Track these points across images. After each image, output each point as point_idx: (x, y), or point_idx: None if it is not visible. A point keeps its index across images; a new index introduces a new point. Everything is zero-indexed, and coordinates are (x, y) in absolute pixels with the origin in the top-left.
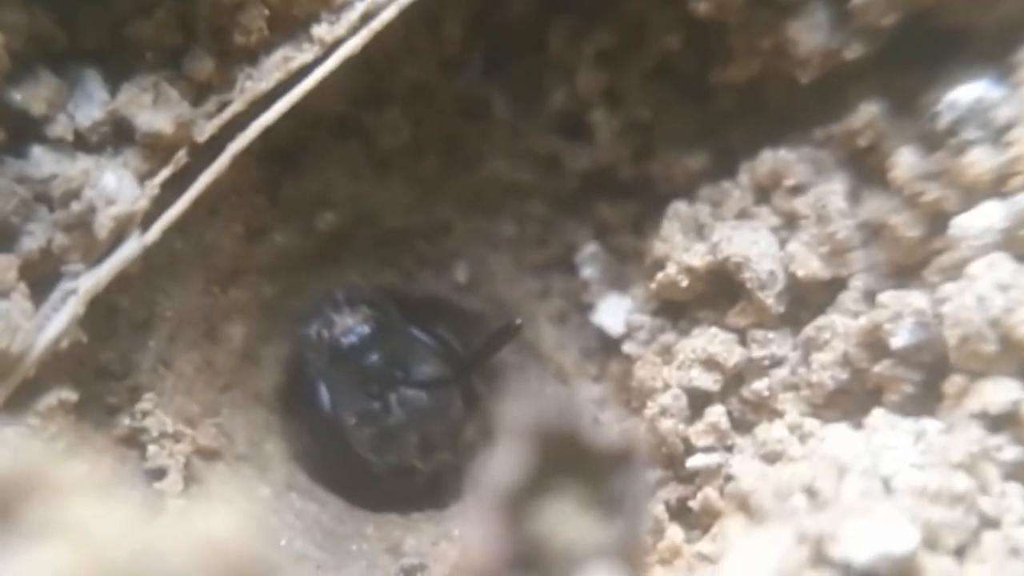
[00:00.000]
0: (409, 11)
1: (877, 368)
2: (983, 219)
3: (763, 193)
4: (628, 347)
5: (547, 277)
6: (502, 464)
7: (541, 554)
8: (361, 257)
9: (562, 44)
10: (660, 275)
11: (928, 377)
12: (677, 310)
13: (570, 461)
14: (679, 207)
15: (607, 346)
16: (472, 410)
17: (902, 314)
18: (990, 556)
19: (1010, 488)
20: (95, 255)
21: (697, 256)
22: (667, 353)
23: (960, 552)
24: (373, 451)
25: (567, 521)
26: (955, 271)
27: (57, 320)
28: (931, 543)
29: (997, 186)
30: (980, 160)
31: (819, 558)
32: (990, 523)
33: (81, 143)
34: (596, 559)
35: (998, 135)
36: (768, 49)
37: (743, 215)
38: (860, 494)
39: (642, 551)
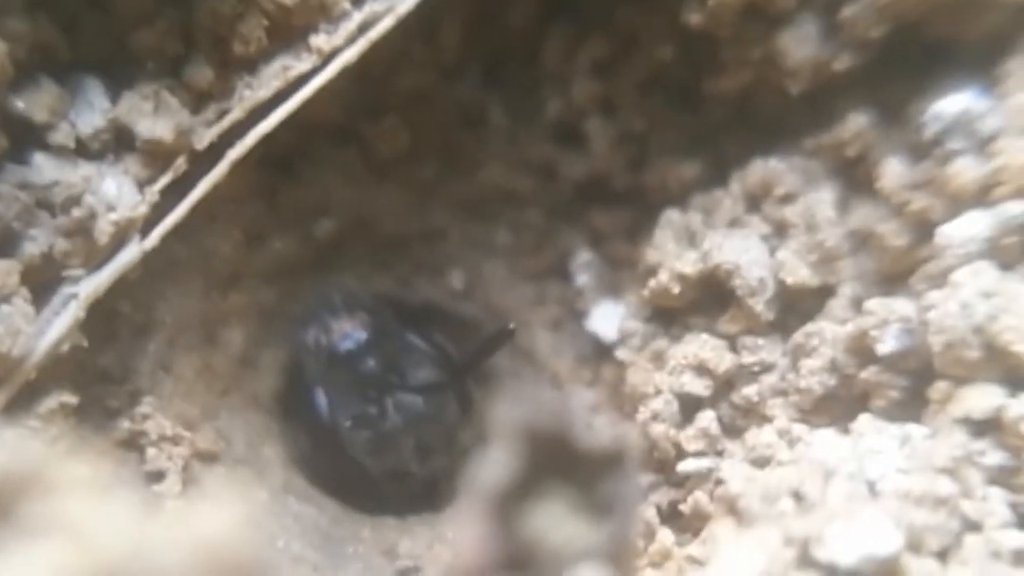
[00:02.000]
0: (407, 20)
1: (864, 374)
2: (968, 228)
3: (754, 202)
4: (621, 353)
5: (542, 284)
6: (494, 466)
7: (532, 555)
8: (358, 263)
9: (558, 54)
10: (652, 282)
11: (914, 383)
12: (669, 317)
13: (561, 464)
14: (672, 215)
15: (601, 352)
16: (467, 414)
17: (888, 321)
18: (972, 559)
19: (992, 492)
20: (96, 260)
21: (689, 263)
22: (659, 359)
23: (943, 555)
24: (370, 455)
25: (558, 523)
26: (940, 279)
27: (58, 324)
28: (915, 546)
29: (981, 196)
30: (965, 170)
31: (805, 560)
32: (972, 526)
33: (82, 150)
34: (586, 561)
35: (983, 145)
36: (759, 60)
37: (734, 223)
38: (846, 497)
39: (631, 553)
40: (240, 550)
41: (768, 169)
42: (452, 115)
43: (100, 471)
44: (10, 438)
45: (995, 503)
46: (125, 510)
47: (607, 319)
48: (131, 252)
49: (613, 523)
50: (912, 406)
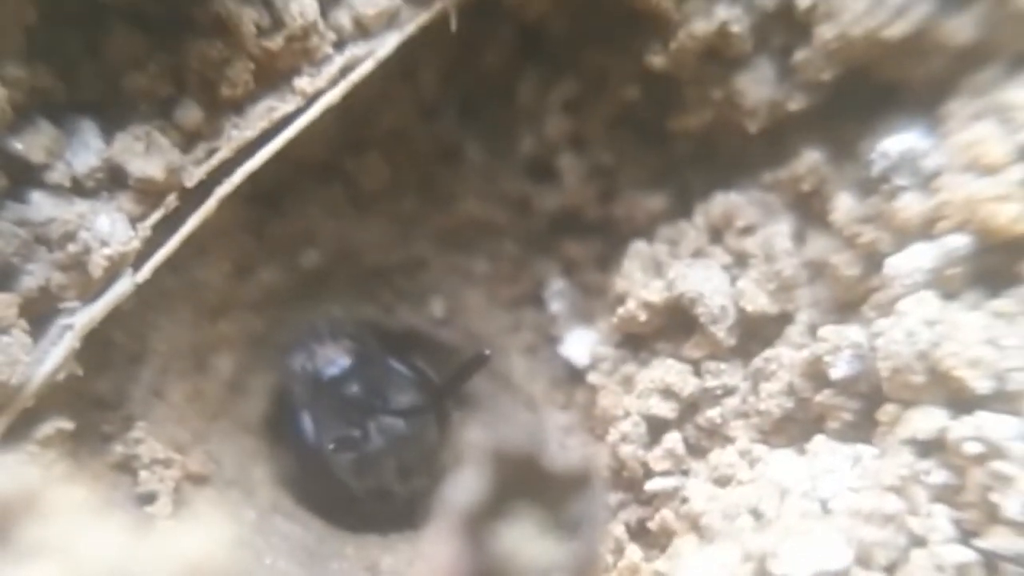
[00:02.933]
0: (387, 62)
1: (819, 397)
2: (913, 260)
3: (716, 233)
4: (593, 377)
5: (518, 311)
6: (466, 488)
7: (502, 573)
8: (343, 292)
9: (531, 94)
10: (621, 310)
11: (865, 406)
12: (637, 342)
13: (531, 484)
14: (639, 246)
15: (573, 376)
16: (447, 436)
17: (840, 347)
18: (918, 572)
19: (936, 509)
20: (90, 293)
21: (655, 292)
22: (628, 383)
23: (890, 569)
24: (353, 475)
25: (527, 542)
26: (889, 307)
27: (54, 354)
28: (864, 560)
29: (926, 229)
30: (910, 205)
31: (762, 575)
32: (918, 542)
33: (78, 188)
34: None
35: (926, 182)
36: (719, 100)
37: (698, 254)
38: (800, 515)
39: (598, 571)
40: (223, 568)
41: (729, 202)
42: (431, 151)
43: (92, 494)
44: (7, 462)
45: (939, 519)
46: (115, 532)
47: (579, 345)
48: (124, 285)
49: (580, 542)
50: (863, 427)
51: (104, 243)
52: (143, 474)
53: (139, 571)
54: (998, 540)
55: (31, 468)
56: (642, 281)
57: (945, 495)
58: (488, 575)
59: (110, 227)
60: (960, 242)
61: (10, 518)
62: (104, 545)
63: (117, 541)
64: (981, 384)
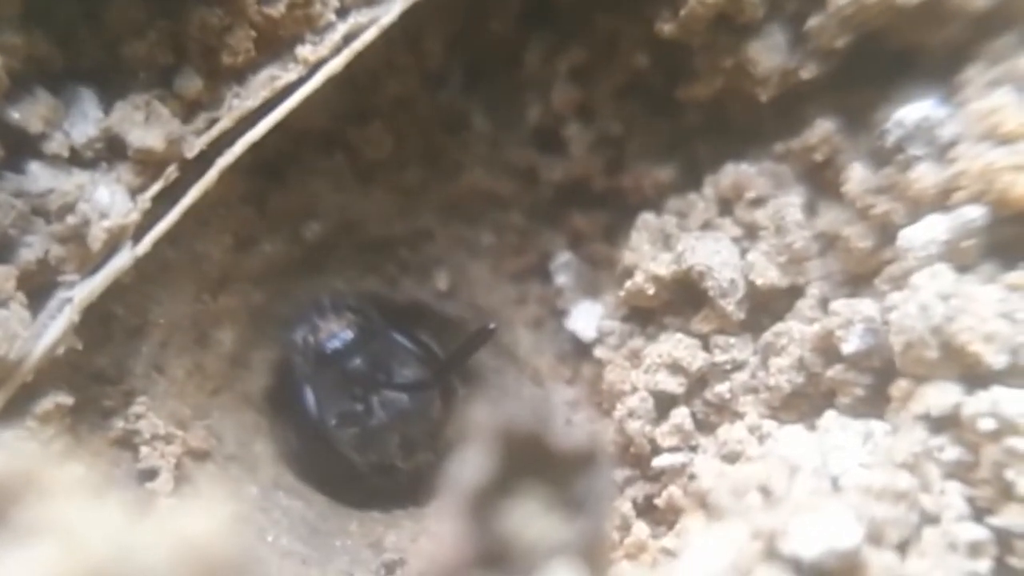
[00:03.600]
0: (391, 29)
1: (830, 372)
2: (927, 231)
3: (726, 205)
4: (599, 351)
5: (524, 284)
6: (470, 465)
7: (507, 552)
8: (346, 264)
9: (538, 61)
10: (628, 283)
11: (877, 381)
12: (645, 316)
13: (536, 462)
14: (647, 218)
15: (580, 350)
16: (452, 411)
17: (852, 321)
18: (930, 550)
19: (949, 486)
20: (89, 266)
21: (663, 265)
22: (635, 357)
23: (902, 547)
24: (356, 450)
25: (532, 520)
26: (902, 280)
27: (53, 328)
28: (875, 538)
29: (941, 200)
30: (925, 175)
31: (771, 553)
32: (931, 519)
33: (76, 159)
34: (559, 557)
35: (942, 152)
36: (730, 68)
37: (707, 226)
38: (810, 492)
39: (604, 549)
40: (227, 550)
41: (739, 173)
42: (435, 120)
43: (95, 470)
44: (7, 439)
45: (952, 497)
46: (114, 511)
47: (586, 318)
48: (123, 258)
49: (586, 519)
50: (875, 403)
51: (103, 215)
52: (144, 450)
53: (139, 551)
54: (1012, 518)
55: (30, 447)
56: (650, 254)
57: (959, 472)
58: (493, 554)
59: (109, 199)
60: (976, 213)
61: (9, 498)
62: (103, 525)
63: (116, 521)
64: (996, 359)
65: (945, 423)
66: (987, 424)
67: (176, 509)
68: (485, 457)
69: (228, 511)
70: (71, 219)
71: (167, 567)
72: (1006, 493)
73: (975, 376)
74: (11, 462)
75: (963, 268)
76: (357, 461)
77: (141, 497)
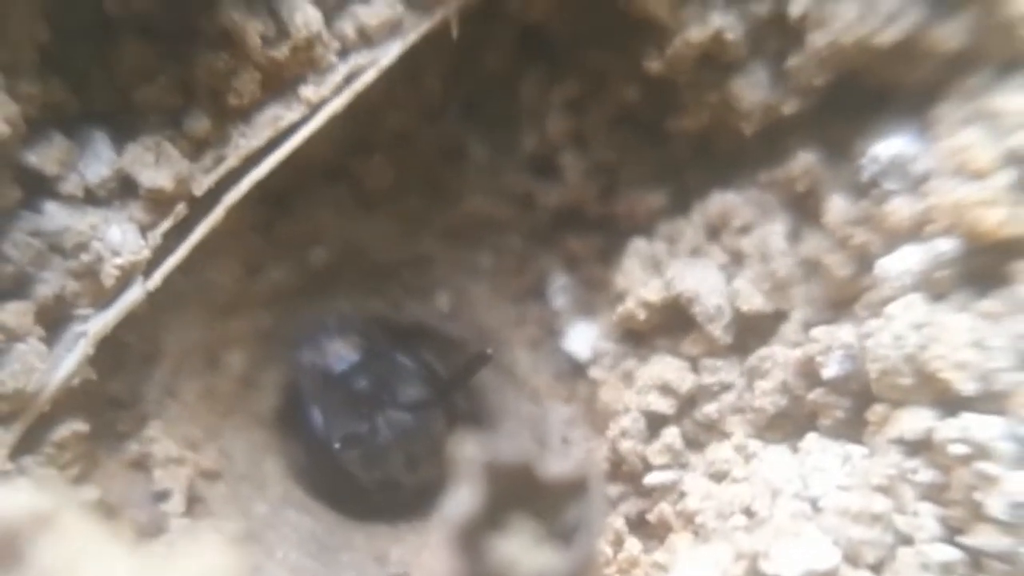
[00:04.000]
0: (391, 67)
1: (811, 395)
2: (903, 262)
3: (714, 232)
4: (594, 372)
5: (522, 305)
6: (460, 501)
7: None
8: (351, 288)
9: (533, 93)
10: (621, 308)
11: (856, 404)
12: (637, 339)
13: (525, 494)
14: (639, 244)
15: (576, 370)
16: (454, 427)
17: (832, 347)
18: (904, 570)
19: (923, 507)
20: (103, 300)
21: (653, 291)
22: (628, 378)
23: (877, 568)
24: (362, 468)
25: (523, 552)
26: (879, 308)
27: (69, 360)
28: (852, 559)
29: (915, 232)
30: (899, 208)
31: (754, 575)
32: (905, 540)
33: (90, 198)
34: None
35: (915, 186)
36: (715, 103)
37: (696, 252)
38: (791, 515)
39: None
40: None
41: (726, 202)
42: (435, 151)
43: (111, 492)
44: (27, 471)
45: (925, 518)
46: (121, 553)
47: (581, 339)
48: (136, 292)
49: (576, 549)
50: (855, 425)
51: (116, 253)
52: (157, 472)
53: None
54: (983, 538)
55: (48, 487)
56: (641, 279)
57: (931, 494)
58: None
59: (121, 237)
60: (948, 245)
61: (27, 538)
62: (109, 568)
63: (122, 564)
64: (967, 386)
65: (919, 447)
66: (958, 449)
67: (183, 554)
68: (474, 492)
69: (234, 558)
70: (85, 256)
71: None
72: (976, 514)
73: (947, 402)
74: (26, 505)
75: (937, 297)
76: (363, 478)
77: (155, 517)
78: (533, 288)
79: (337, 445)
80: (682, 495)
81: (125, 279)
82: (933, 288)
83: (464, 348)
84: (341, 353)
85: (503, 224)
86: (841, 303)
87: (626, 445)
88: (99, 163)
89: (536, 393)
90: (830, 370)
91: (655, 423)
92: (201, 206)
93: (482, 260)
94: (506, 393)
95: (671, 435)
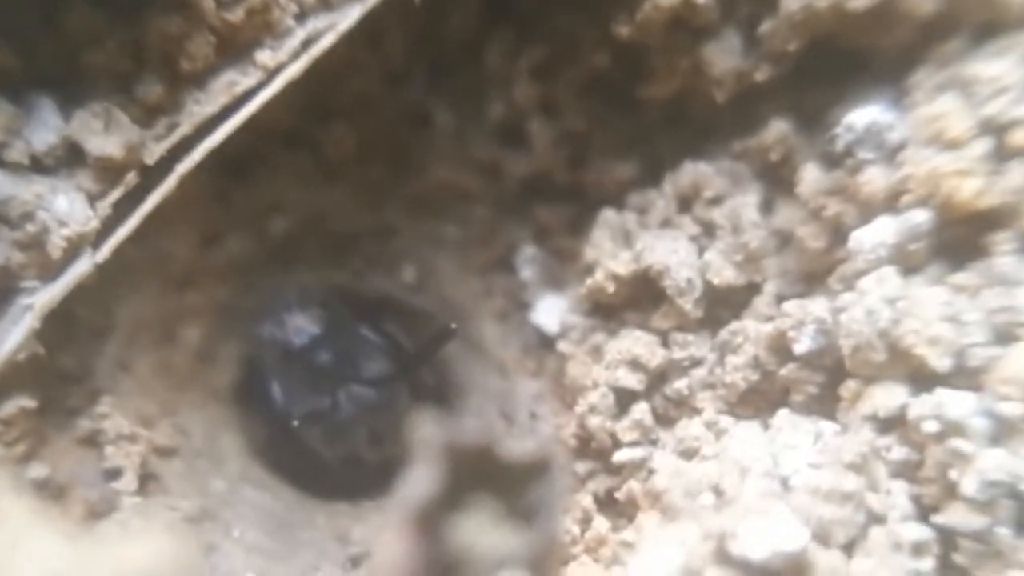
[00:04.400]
0: (352, 31)
1: (783, 371)
2: (877, 233)
3: (685, 203)
4: (563, 346)
5: (489, 277)
6: (418, 482)
7: (457, 564)
8: (312, 260)
9: (499, 59)
10: (590, 280)
11: (828, 380)
12: (606, 312)
13: (486, 475)
14: (608, 215)
15: (544, 343)
16: (419, 403)
17: (804, 322)
18: (876, 550)
19: (895, 486)
20: (50, 272)
21: (623, 264)
22: (597, 352)
23: (848, 547)
24: (324, 444)
25: (482, 532)
26: (853, 281)
27: (15, 334)
28: (822, 539)
29: (890, 202)
30: (874, 179)
31: (721, 555)
32: (877, 519)
33: (36, 167)
34: (510, 567)
35: (891, 155)
36: (687, 69)
37: (666, 223)
38: (760, 494)
39: (555, 557)
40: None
41: (698, 172)
42: (399, 118)
43: (60, 471)
44: None
45: (898, 496)
46: (60, 538)
47: (550, 312)
48: (84, 264)
49: (537, 530)
50: (827, 401)
51: (63, 223)
52: (109, 449)
53: None
54: (956, 517)
55: None
56: (611, 251)
57: (904, 471)
58: (444, 567)
59: (68, 207)
60: (923, 216)
61: None
62: (46, 557)
63: (60, 552)
64: (941, 362)
65: (892, 424)
66: (931, 426)
67: (121, 536)
68: (434, 474)
69: (171, 540)
70: (31, 227)
71: None
72: (950, 492)
73: (921, 378)
74: None
75: (911, 270)
76: (325, 454)
77: (106, 496)
78: (500, 260)
79: (296, 422)
80: (651, 472)
81: (73, 250)
82: (907, 261)
83: (430, 321)
84: (302, 326)
85: (469, 194)
86: (814, 276)
87: (595, 421)
88: (45, 130)
89: (503, 367)
90: (802, 345)
91: (624, 399)
92: (153, 175)
93: (448, 231)
94: (473, 367)
95: (640, 411)
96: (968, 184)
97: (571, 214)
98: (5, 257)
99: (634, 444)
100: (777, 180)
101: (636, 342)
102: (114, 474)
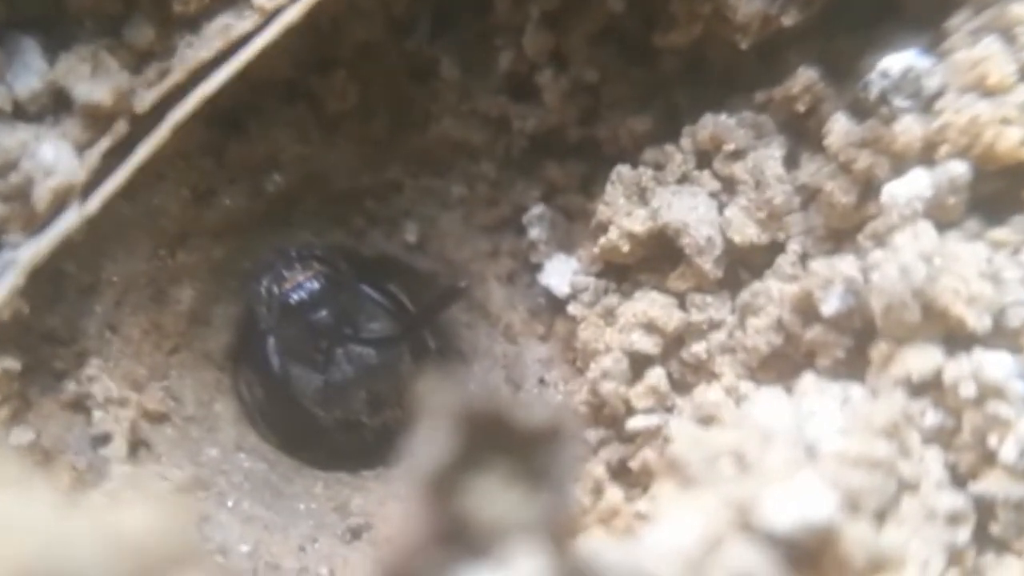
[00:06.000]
0: None
1: (809, 333)
2: (911, 187)
3: (704, 157)
4: (573, 308)
5: (496, 237)
6: (428, 445)
7: (467, 530)
8: (311, 218)
9: (508, 6)
10: (603, 239)
11: (857, 342)
12: (620, 273)
13: (498, 441)
14: (622, 171)
15: (554, 306)
16: (422, 366)
17: (832, 281)
18: (908, 519)
19: (929, 453)
20: (35, 226)
21: (638, 222)
22: (610, 315)
23: (879, 516)
24: (320, 406)
25: (494, 497)
26: (885, 237)
27: None
28: (851, 508)
29: (926, 154)
30: (909, 128)
31: (742, 524)
32: (909, 487)
33: (20, 113)
34: (521, 534)
35: (927, 104)
36: (708, 14)
37: (684, 179)
38: (784, 461)
39: (569, 524)
40: (154, 543)
41: (718, 124)
42: (403, 69)
43: (46, 435)
44: None
45: (931, 463)
46: (45, 503)
47: (560, 273)
48: (71, 217)
49: (550, 496)
50: (855, 365)
51: (48, 173)
52: (97, 414)
53: (63, 545)
54: (994, 485)
55: None
56: (625, 209)
57: (939, 437)
58: (454, 533)
59: (54, 156)
60: (960, 169)
61: None
62: (30, 518)
63: (43, 514)
64: (979, 321)
65: (926, 387)
66: (969, 389)
67: (111, 501)
68: (443, 437)
69: (162, 504)
70: (14, 177)
71: (97, 561)
72: (988, 459)
73: (957, 339)
74: None
75: (947, 225)
76: (321, 415)
77: (95, 463)
78: (508, 219)
79: (301, 375)
80: (667, 440)
81: (59, 203)
82: (944, 215)
83: (433, 282)
84: (300, 281)
85: (476, 149)
86: (843, 233)
87: (607, 387)
88: (29, 74)
89: (511, 331)
90: (830, 305)
91: (639, 364)
92: (144, 124)
93: (453, 188)
94: (478, 330)
95: (656, 376)
96: (1010, 133)
97: (583, 170)
98: None
99: (649, 411)
100: (803, 132)
101: (652, 304)
102: (103, 440)
